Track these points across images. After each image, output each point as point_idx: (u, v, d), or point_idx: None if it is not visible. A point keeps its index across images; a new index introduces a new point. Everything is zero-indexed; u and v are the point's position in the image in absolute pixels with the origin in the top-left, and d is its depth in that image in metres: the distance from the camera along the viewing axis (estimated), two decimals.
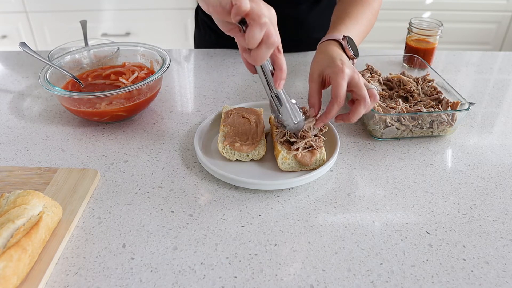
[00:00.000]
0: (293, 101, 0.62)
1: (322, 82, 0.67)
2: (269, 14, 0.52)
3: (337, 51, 0.68)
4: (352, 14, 0.78)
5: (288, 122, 0.62)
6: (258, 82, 0.92)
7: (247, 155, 0.64)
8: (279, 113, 0.62)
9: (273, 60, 0.57)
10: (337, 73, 0.63)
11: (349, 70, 0.63)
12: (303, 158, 0.62)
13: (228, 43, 1.10)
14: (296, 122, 0.62)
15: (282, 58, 0.57)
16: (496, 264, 0.50)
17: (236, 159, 0.65)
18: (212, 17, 0.53)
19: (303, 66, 1.00)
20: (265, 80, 0.58)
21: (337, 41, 0.71)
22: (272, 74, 0.58)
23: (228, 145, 0.64)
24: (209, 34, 1.14)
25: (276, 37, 0.51)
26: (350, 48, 0.70)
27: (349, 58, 0.70)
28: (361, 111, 0.63)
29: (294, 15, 1.02)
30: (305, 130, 0.65)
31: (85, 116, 0.74)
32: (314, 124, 0.65)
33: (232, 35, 0.54)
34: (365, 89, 0.62)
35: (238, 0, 0.48)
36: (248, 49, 0.53)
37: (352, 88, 0.63)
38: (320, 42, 0.73)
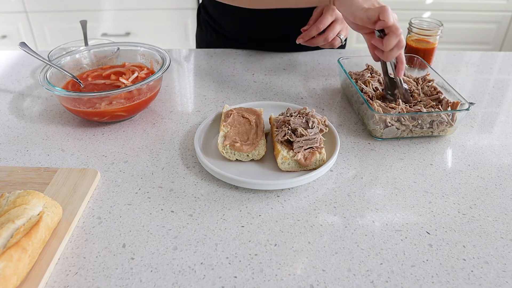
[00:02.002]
0: (405, 86, 0.79)
1: (320, 15, 0.89)
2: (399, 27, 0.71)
3: None
4: None
5: (397, 98, 0.77)
6: (258, 82, 0.92)
7: (247, 155, 0.64)
8: (391, 94, 0.78)
9: (397, 56, 0.75)
10: (328, 10, 0.87)
11: (338, 13, 0.87)
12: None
13: (229, 42, 1.10)
14: (404, 98, 0.77)
15: (403, 54, 0.75)
16: (496, 264, 0.50)
17: (236, 159, 0.65)
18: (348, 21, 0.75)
19: (303, 66, 1.00)
20: (385, 68, 0.79)
21: None
22: (394, 65, 0.77)
23: (228, 145, 0.64)
24: (210, 33, 1.15)
25: (404, 42, 0.72)
26: None
27: None
28: (320, 42, 0.89)
29: (294, 17, 1.03)
30: (303, 133, 0.65)
31: (85, 116, 0.74)
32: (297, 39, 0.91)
33: (362, 34, 0.76)
34: (333, 34, 0.88)
35: (386, 17, 0.68)
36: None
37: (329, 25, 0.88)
38: None
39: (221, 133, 0.67)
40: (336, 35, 0.89)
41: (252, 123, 0.69)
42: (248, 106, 0.76)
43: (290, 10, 1.01)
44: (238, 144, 0.64)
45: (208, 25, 1.15)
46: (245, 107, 0.74)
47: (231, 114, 0.71)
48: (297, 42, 0.90)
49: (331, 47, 0.92)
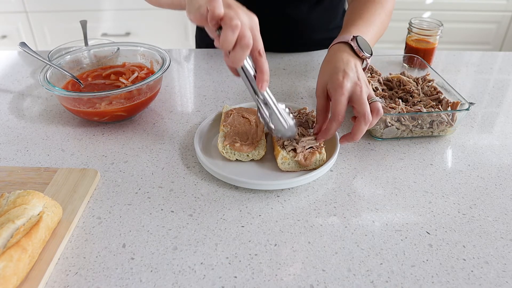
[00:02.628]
0: (282, 105, 0.61)
1: (327, 97, 0.64)
2: (248, 20, 0.54)
3: (344, 58, 0.65)
4: (364, 15, 0.75)
5: (279, 127, 0.60)
6: None
7: (247, 155, 0.64)
8: (268, 120, 0.60)
9: (255, 63, 0.56)
10: (336, 89, 0.60)
11: (350, 84, 0.60)
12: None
13: None
14: (286, 127, 0.60)
15: (264, 61, 0.56)
16: (496, 264, 0.50)
17: (236, 159, 0.65)
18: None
19: (303, 66, 1.00)
20: (249, 85, 0.58)
21: (347, 43, 0.68)
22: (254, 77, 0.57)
23: (228, 145, 0.64)
24: None
25: (250, 39, 0.52)
26: (361, 48, 0.66)
27: (362, 59, 0.68)
28: (363, 128, 0.59)
29: (295, 16, 1.02)
30: (303, 133, 0.65)
31: (85, 116, 0.74)
32: (316, 139, 0.63)
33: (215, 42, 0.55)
34: (366, 104, 0.59)
35: (212, 6, 0.50)
36: (228, 52, 0.53)
37: (352, 103, 0.61)
38: (330, 45, 0.70)
39: (221, 133, 0.67)
40: (371, 103, 0.61)
41: (252, 123, 0.69)
42: (248, 106, 0.76)
43: (290, 11, 1.02)
44: (238, 144, 0.64)
45: None
46: (245, 107, 0.74)
47: (231, 114, 0.71)
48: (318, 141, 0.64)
49: (378, 117, 0.61)
